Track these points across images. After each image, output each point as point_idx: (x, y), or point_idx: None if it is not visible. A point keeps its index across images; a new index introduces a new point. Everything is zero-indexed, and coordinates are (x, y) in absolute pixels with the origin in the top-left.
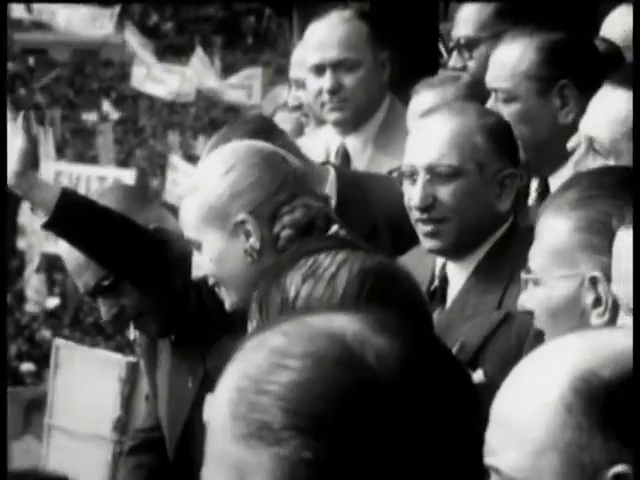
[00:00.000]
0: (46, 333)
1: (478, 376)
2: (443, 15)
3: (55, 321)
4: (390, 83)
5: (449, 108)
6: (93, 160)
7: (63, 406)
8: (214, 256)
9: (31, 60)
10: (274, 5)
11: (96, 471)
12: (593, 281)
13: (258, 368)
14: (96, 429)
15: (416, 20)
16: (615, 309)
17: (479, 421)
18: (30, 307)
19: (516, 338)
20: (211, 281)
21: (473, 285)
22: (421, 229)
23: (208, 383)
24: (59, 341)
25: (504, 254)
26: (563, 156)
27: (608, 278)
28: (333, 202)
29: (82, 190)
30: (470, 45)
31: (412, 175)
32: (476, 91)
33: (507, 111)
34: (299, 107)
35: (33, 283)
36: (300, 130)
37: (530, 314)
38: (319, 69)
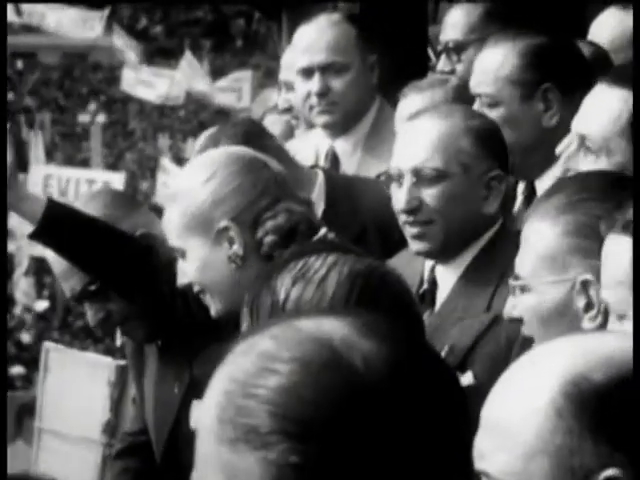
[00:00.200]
0: (35, 336)
1: (467, 378)
2: (432, 18)
3: (44, 324)
4: (379, 86)
5: (435, 111)
6: (82, 163)
7: (53, 409)
8: (198, 263)
9: (20, 64)
10: (263, 8)
11: (86, 474)
12: (584, 285)
13: (246, 372)
14: (86, 432)
15: (405, 23)
16: (607, 313)
17: (468, 425)
18: (19, 310)
19: (505, 340)
20: (196, 288)
21: (462, 287)
22: (408, 232)
23: (194, 389)
24: (49, 344)
25: (493, 256)
26: (549, 159)
27: (599, 281)
28: (322, 205)
29: (71, 193)
30: (458, 48)
31: (399, 178)
32: (464, 94)
33: (491, 116)
34: (289, 109)
35: (22, 286)
36: (290, 133)
37: (518, 321)
38: (307, 72)
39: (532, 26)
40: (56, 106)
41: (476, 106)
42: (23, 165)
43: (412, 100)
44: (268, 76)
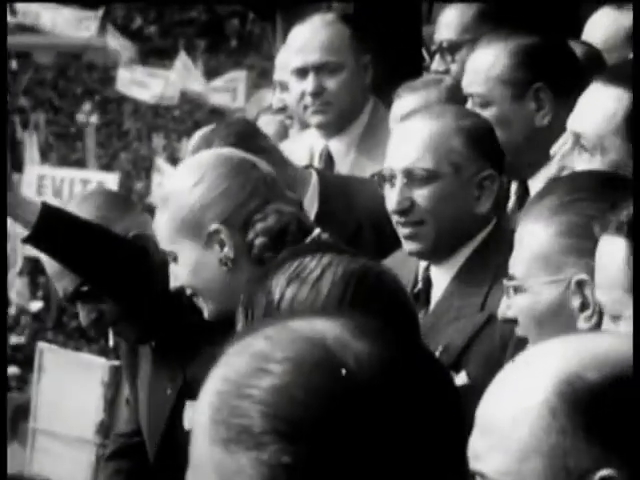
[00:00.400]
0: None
1: (462, 378)
2: (426, 18)
3: (38, 324)
4: (373, 86)
5: (427, 111)
6: (77, 163)
7: (47, 409)
8: (190, 267)
9: (14, 63)
10: (257, 9)
11: (79, 474)
12: (580, 285)
13: (239, 372)
14: (80, 432)
15: (399, 23)
16: (602, 312)
17: (462, 425)
18: (12, 310)
19: (500, 340)
20: (188, 291)
21: (456, 287)
22: (400, 232)
23: (187, 391)
24: (43, 345)
25: (487, 256)
26: (541, 159)
27: (594, 281)
28: (316, 205)
29: (66, 193)
30: (452, 48)
31: (391, 179)
32: (458, 94)
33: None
34: (283, 109)
35: (16, 286)
36: (284, 133)
37: (513, 322)
38: (302, 72)
39: (526, 26)
40: (50, 106)
41: (469, 106)
42: (17, 165)
43: (406, 100)
44: (262, 76)
